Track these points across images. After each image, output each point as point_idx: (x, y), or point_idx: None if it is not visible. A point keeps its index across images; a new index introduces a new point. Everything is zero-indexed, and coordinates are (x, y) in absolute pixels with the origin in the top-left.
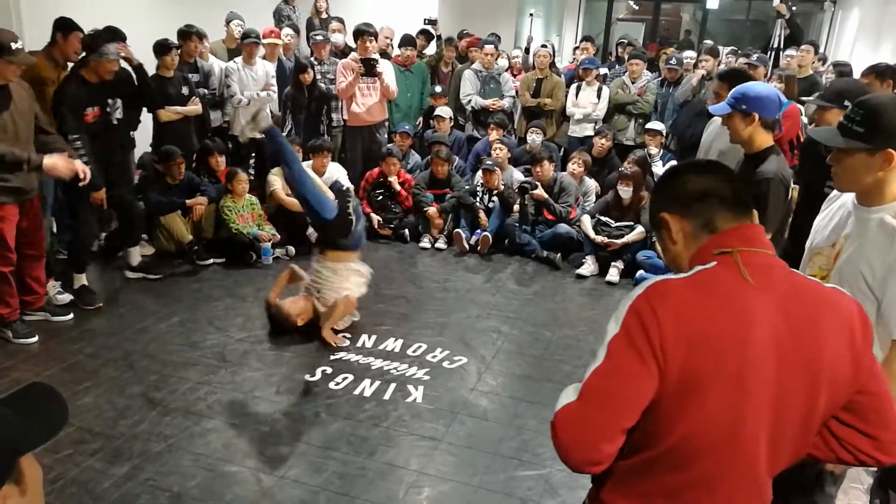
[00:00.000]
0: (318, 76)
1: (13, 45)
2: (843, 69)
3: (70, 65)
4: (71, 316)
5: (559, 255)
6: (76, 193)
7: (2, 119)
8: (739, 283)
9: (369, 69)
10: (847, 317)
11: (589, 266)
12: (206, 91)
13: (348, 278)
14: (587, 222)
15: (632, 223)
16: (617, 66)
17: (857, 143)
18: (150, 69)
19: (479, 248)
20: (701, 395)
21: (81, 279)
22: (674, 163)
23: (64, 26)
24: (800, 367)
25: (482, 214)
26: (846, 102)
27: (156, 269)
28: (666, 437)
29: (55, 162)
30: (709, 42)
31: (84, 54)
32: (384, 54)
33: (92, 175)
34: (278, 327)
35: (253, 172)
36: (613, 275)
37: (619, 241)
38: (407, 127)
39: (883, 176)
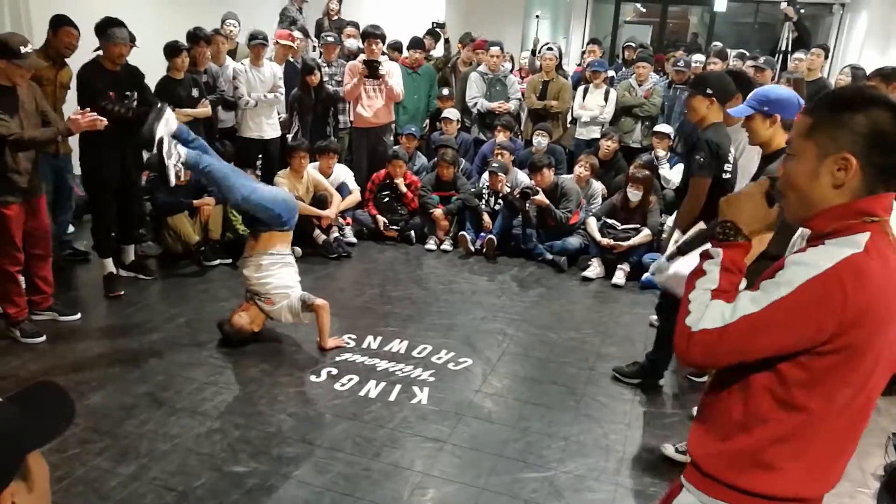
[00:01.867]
0: (326, 78)
1: (22, 49)
2: (857, 72)
3: (66, 61)
4: (78, 316)
5: (564, 258)
6: (91, 182)
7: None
8: (891, 253)
9: (373, 71)
10: None
11: (595, 268)
12: (221, 91)
13: (278, 274)
14: (593, 224)
15: (638, 226)
16: (624, 69)
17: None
18: (160, 71)
19: (484, 250)
20: (857, 364)
21: (109, 265)
22: (680, 166)
23: (55, 22)
24: None
25: (486, 217)
26: (708, 90)
27: (149, 270)
28: (825, 405)
29: (73, 120)
30: (718, 44)
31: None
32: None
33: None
34: (236, 342)
35: (259, 173)
36: (619, 277)
37: (625, 244)
38: (413, 129)
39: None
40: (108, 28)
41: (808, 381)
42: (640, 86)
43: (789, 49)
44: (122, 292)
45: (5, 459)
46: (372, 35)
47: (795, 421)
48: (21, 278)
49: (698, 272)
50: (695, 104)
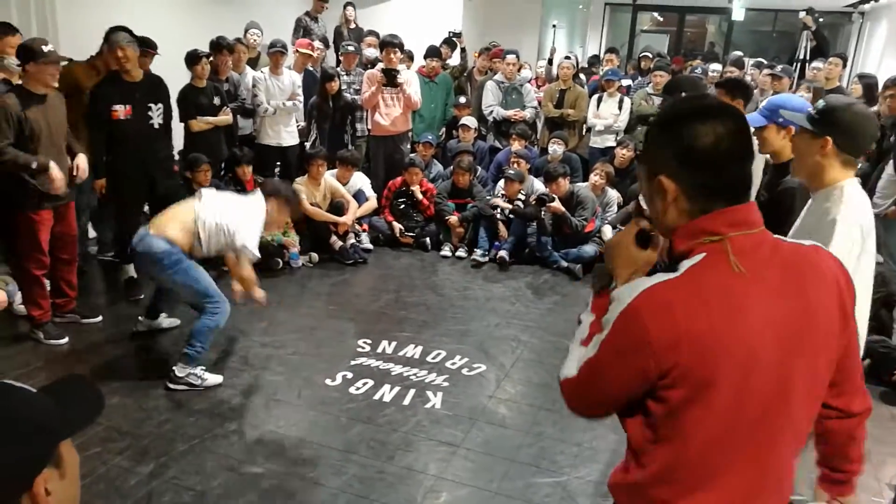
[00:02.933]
0: (345, 86)
1: (44, 48)
2: (868, 80)
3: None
4: (100, 318)
5: (580, 266)
6: (113, 191)
7: (40, 126)
8: (731, 276)
9: (391, 80)
10: (831, 276)
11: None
12: (242, 100)
13: None
14: (609, 232)
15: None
16: (640, 78)
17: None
18: (184, 80)
19: (497, 261)
20: (711, 395)
21: (130, 270)
22: None
23: (110, 36)
24: (800, 346)
25: (502, 227)
26: (683, 94)
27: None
28: (688, 440)
29: (54, 174)
30: (738, 52)
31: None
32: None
33: (95, 165)
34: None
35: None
36: None
37: None
38: (430, 137)
39: (821, 161)
40: (107, 37)
41: (670, 413)
42: (657, 95)
43: (807, 57)
44: (143, 295)
45: (40, 447)
46: (390, 44)
47: (669, 456)
48: (46, 282)
49: (577, 322)
50: None
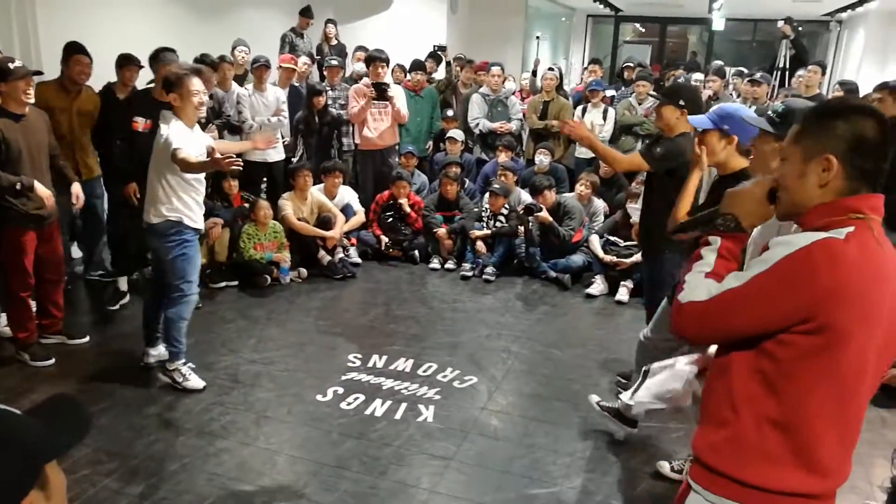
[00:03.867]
0: (330, 101)
1: (11, 66)
2: (849, 87)
3: (89, 86)
4: (87, 339)
5: (568, 275)
6: (118, 205)
7: (19, 147)
8: (876, 246)
9: (381, 93)
10: None
11: (598, 285)
12: (227, 116)
13: None
14: (596, 242)
15: (636, 243)
16: (623, 88)
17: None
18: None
19: (482, 276)
20: (843, 348)
21: (122, 283)
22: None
23: (67, 51)
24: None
25: (480, 244)
26: (681, 102)
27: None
28: (808, 391)
29: (40, 193)
30: (718, 62)
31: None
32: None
33: (121, 171)
34: None
35: (265, 196)
36: (623, 294)
37: (627, 261)
38: (411, 147)
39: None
40: (125, 59)
41: (794, 358)
42: (639, 104)
43: (787, 66)
44: (118, 307)
45: (25, 469)
46: (377, 59)
47: (782, 403)
48: (32, 303)
49: (696, 257)
50: (666, 113)
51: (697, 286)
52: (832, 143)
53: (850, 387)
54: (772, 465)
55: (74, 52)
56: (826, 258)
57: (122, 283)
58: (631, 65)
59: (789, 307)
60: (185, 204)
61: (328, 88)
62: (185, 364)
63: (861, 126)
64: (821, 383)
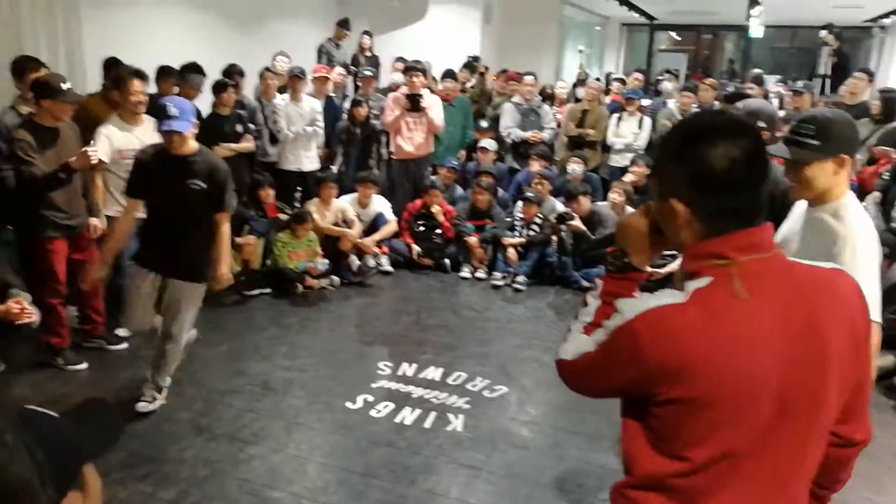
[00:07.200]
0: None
1: (63, 86)
2: (889, 95)
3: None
4: (125, 345)
5: None
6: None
7: (51, 157)
8: (736, 301)
9: (414, 104)
10: (847, 302)
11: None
12: (252, 126)
13: None
14: None
15: (675, 252)
16: (656, 98)
17: (814, 154)
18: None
19: (514, 285)
20: (709, 416)
21: None
22: None
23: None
24: (807, 374)
25: (512, 252)
26: (760, 123)
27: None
28: (686, 451)
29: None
30: (757, 70)
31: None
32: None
33: None
34: None
35: (298, 205)
36: None
37: (662, 271)
38: (453, 162)
39: (834, 180)
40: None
41: (666, 423)
42: (682, 114)
43: (828, 73)
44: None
45: (65, 469)
46: (413, 69)
47: (670, 468)
48: (63, 309)
49: (582, 302)
50: None
51: (571, 341)
52: (673, 187)
53: (742, 450)
54: None
55: (133, 77)
56: (651, 336)
57: None
58: (674, 75)
59: (626, 380)
60: None
61: (362, 99)
62: None
63: (702, 158)
64: (697, 446)
